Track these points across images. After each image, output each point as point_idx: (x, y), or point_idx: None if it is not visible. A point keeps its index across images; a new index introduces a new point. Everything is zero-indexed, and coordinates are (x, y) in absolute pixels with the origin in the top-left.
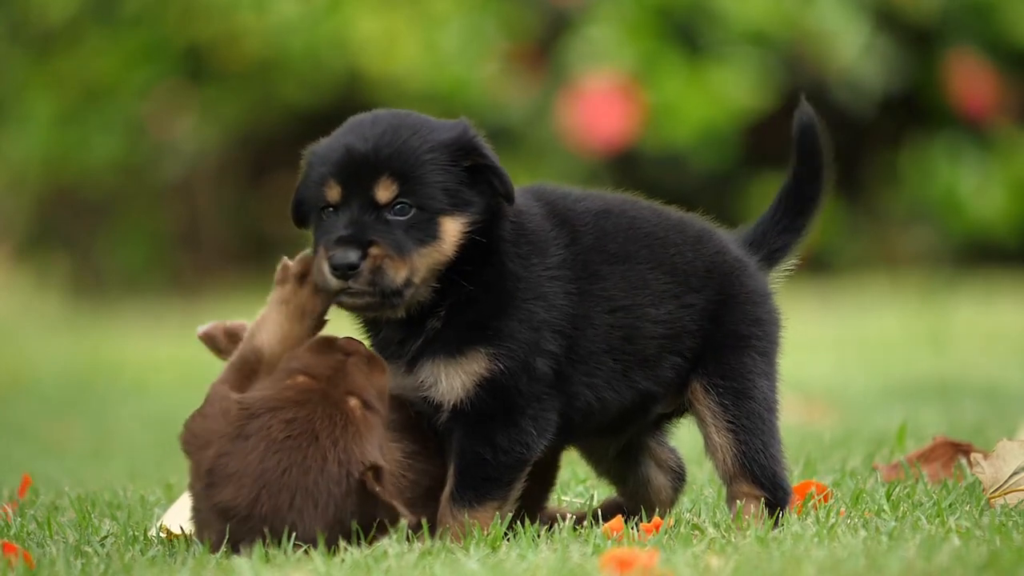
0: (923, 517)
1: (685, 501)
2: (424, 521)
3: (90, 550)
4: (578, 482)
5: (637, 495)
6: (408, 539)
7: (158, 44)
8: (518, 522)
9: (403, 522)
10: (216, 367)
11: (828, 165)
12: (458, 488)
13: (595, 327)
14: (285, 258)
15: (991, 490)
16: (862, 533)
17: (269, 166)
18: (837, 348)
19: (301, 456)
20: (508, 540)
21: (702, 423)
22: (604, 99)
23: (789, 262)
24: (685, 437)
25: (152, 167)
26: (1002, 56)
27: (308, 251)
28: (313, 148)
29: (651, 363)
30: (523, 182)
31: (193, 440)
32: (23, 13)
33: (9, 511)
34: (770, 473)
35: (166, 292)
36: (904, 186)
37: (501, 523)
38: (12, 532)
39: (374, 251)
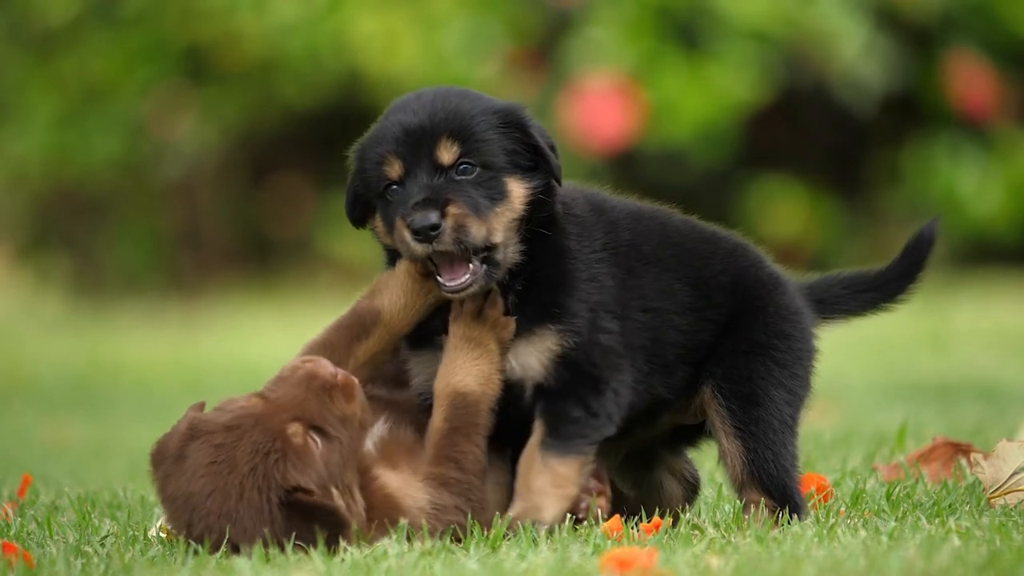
0: (923, 517)
1: None
2: (425, 523)
3: (90, 550)
4: None
5: (649, 501)
6: (408, 539)
7: (158, 44)
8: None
9: (403, 522)
10: (214, 369)
11: (922, 277)
12: (549, 436)
13: (632, 320)
14: None
15: (991, 490)
16: (862, 533)
17: (269, 166)
18: (837, 348)
19: (222, 482)
20: (508, 540)
21: (713, 429)
22: (604, 99)
23: (836, 317)
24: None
25: (152, 167)
26: (1002, 56)
27: None
28: (359, 142)
29: (668, 370)
30: None
31: (155, 456)
32: (23, 13)
33: (9, 511)
34: (780, 484)
35: (166, 292)
36: (904, 186)
37: (501, 523)
38: (12, 532)
39: (453, 210)
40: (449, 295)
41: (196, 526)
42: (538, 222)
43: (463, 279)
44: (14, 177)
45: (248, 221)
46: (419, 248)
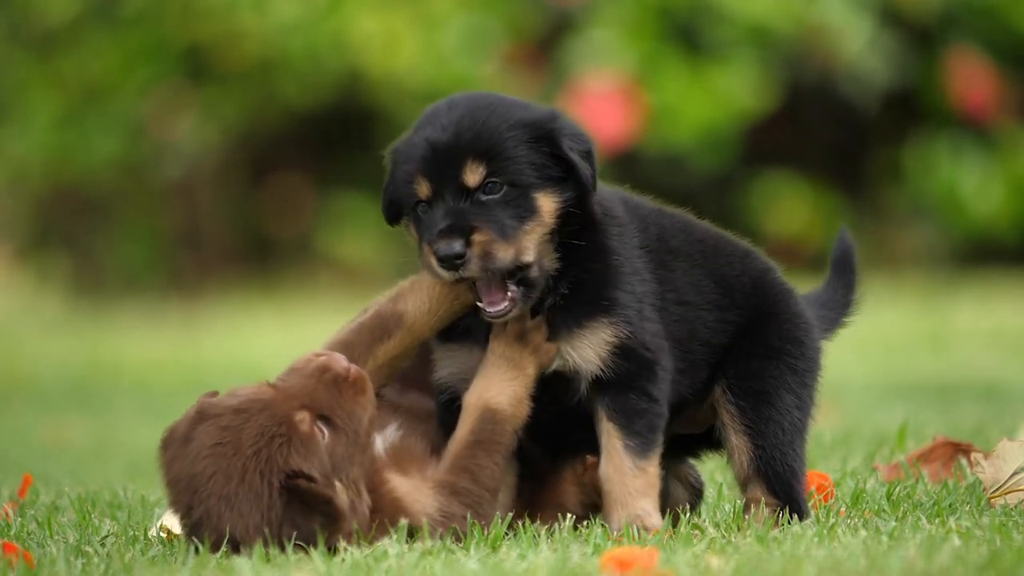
0: (923, 517)
1: None
2: (426, 522)
3: (90, 550)
4: None
5: None
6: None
7: (158, 44)
8: (518, 522)
9: (403, 522)
10: (214, 369)
11: (859, 284)
12: (629, 439)
13: (668, 312)
14: None
15: (991, 490)
16: (862, 533)
17: (269, 166)
18: (837, 347)
19: (225, 464)
20: (508, 540)
21: (722, 427)
22: (605, 100)
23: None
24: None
25: (152, 167)
26: (1003, 55)
27: None
28: (395, 146)
29: (694, 369)
30: None
31: (164, 441)
32: (23, 13)
33: (9, 511)
34: (785, 483)
35: (166, 292)
36: (905, 184)
37: (502, 523)
38: (12, 532)
39: (478, 237)
40: (490, 320)
41: (196, 509)
42: (574, 229)
43: (502, 306)
44: (14, 177)
45: (248, 221)
46: (446, 275)
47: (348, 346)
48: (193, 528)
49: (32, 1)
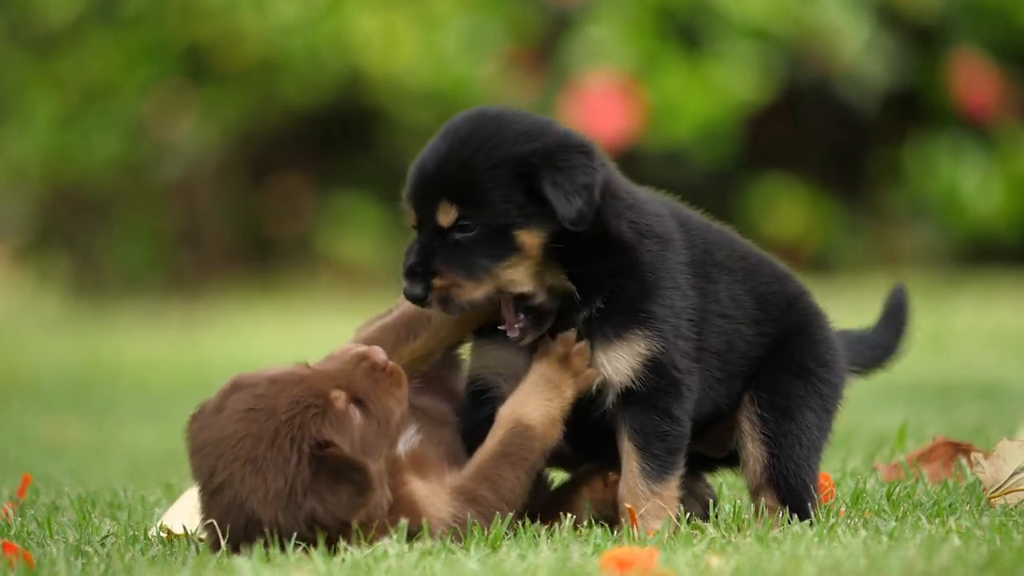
0: (923, 517)
1: None
2: (425, 522)
3: (90, 550)
4: None
5: None
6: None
7: (158, 44)
8: (518, 522)
9: (403, 522)
10: (214, 369)
11: (909, 332)
12: (646, 462)
13: (710, 325)
14: None
15: (991, 490)
16: (862, 533)
17: (269, 166)
18: None
19: (257, 427)
20: (508, 540)
21: (741, 435)
22: (605, 98)
23: (855, 369)
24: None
25: (152, 167)
26: (1004, 55)
27: None
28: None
29: (731, 380)
30: None
31: (194, 415)
32: (23, 13)
33: (9, 511)
34: (797, 495)
35: (166, 292)
36: (905, 184)
37: (502, 523)
38: (12, 532)
39: (438, 282)
40: (512, 341)
41: (219, 474)
42: (597, 248)
43: (515, 335)
44: (14, 177)
45: (248, 221)
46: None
47: (374, 343)
48: (212, 496)
49: (32, 1)
